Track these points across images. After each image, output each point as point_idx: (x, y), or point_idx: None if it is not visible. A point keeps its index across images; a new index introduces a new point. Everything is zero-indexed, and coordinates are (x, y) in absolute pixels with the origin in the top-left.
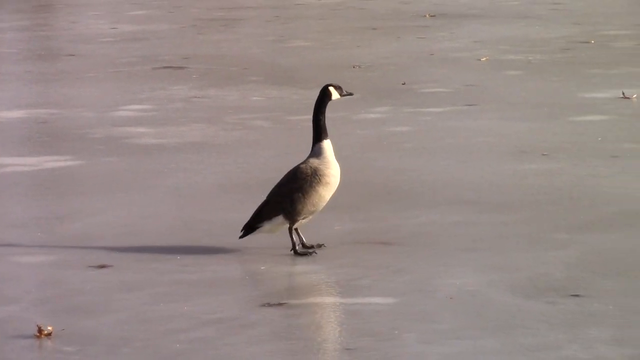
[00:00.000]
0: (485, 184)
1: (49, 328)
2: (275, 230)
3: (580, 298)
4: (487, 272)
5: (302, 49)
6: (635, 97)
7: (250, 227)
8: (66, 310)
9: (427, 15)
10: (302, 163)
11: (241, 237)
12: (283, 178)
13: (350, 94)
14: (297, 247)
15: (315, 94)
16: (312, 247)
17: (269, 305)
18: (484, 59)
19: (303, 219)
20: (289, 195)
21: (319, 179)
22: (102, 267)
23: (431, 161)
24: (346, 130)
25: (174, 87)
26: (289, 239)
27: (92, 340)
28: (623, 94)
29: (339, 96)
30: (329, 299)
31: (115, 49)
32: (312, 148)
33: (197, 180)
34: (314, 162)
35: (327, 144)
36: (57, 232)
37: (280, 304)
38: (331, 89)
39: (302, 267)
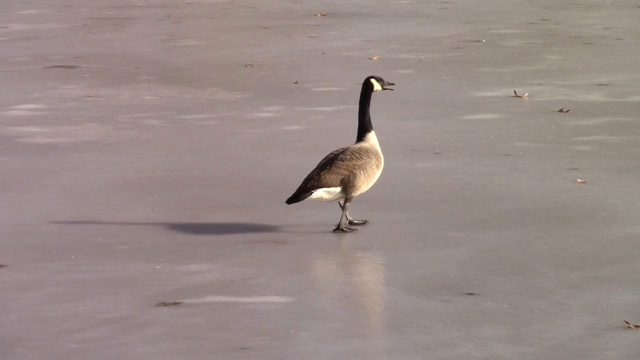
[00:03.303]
0: (378, 183)
1: None
2: (324, 200)
3: (474, 296)
4: (381, 270)
5: (194, 48)
6: (527, 96)
7: (304, 191)
8: None
9: (318, 14)
10: (361, 145)
11: (290, 201)
12: (342, 154)
13: (392, 85)
14: (344, 226)
15: (206, 93)
16: (358, 222)
17: (164, 304)
18: (375, 57)
19: (352, 196)
20: (352, 169)
21: (379, 162)
22: None
23: None
24: (239, 129)
25: (66, 86)
26: (341, 214)
27: None
28: (515, 92)
29: (380, 88)
30: (224, 298)
31: (7, 48)
32: (361, 137)
33: (90, 179)
34: (371, 146)
35: (374, 136)
36: None
37: (175, 303)
38: (373, 81)
39: (197, 267)
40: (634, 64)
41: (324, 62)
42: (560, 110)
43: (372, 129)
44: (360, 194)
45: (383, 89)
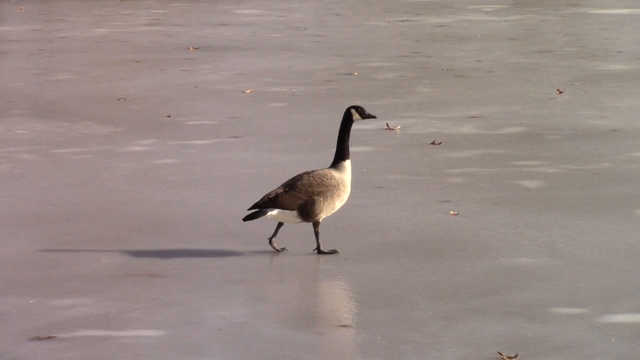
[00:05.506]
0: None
1: None
2: (280, 220)
3: (348, 328)
4: (256, 303)
5: (67, 82)
6: (399, 129)
7: (260, 210)
8: None
9: (191, 48)
10: (326, 171)
11: (246, 219)
12: (305, 179)
13: (373, 117)
14: (324, 248)
15: (79, 127)
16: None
17: (38, 339)
18: (248, 91)
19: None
20: (311, 195)
21: (340, 192)
22: None
23: (197, 193)
24: (111, 163)
25: None
26: (316, 239)
27: None
28: (387, 125)
29: (360, 118)
30: (98, 332)
31: None
32: (335, 164)
33: None
34: (337, 174)
35: (349, 164)
36: None
37: (49, 338)
38: (353, 111)
39: (71, 301)
40: (506, 96)
41: (197, 95)
42: (433, 143)
43: (348, 158)
44: (325, 217)
45: (363, 118)
